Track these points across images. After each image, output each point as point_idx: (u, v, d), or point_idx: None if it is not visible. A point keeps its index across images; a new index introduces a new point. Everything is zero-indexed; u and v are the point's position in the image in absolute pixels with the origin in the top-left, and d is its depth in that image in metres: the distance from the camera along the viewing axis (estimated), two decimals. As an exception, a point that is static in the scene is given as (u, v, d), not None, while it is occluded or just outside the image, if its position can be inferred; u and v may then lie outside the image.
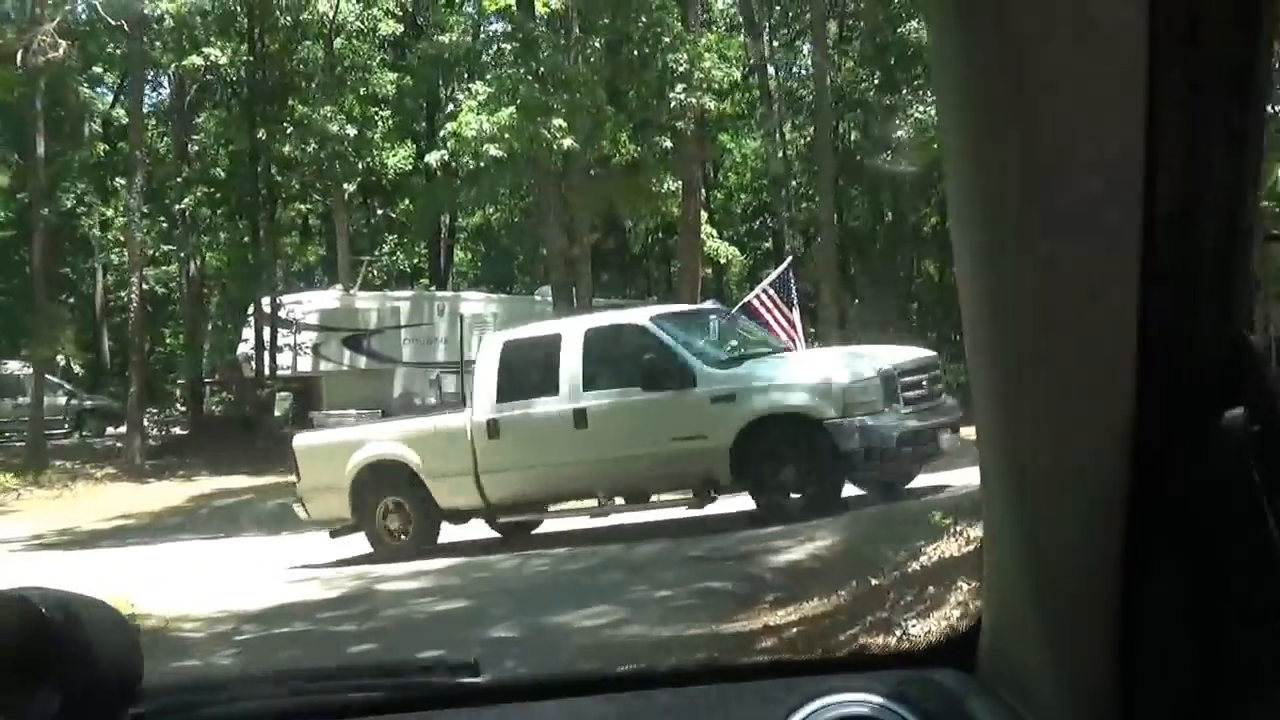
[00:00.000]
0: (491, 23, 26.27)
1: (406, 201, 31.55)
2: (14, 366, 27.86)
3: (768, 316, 14.26)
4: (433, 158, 24.19)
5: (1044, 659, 1.00)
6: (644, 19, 21.00)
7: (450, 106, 26.26)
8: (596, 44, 21.89)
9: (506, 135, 19.57)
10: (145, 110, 28.68)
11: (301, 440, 12.33)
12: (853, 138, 32.05)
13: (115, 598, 8.44)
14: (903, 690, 1.23)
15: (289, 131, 23.62)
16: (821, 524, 8.89)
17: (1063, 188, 0.80)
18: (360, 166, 25.63)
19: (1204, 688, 0.86)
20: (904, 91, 25.37)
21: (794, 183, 32.48)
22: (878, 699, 1.22)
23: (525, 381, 10.83)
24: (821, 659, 2.16)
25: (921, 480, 10.27)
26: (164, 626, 7.97)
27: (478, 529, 11.28)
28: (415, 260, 35.78)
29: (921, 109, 22.06)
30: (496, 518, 11.17)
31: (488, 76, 21.89)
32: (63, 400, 27.59)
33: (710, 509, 10.45)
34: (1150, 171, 0.79)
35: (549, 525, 11.38)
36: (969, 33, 0.81)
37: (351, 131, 23.68)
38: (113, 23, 23.82)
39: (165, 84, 29.25)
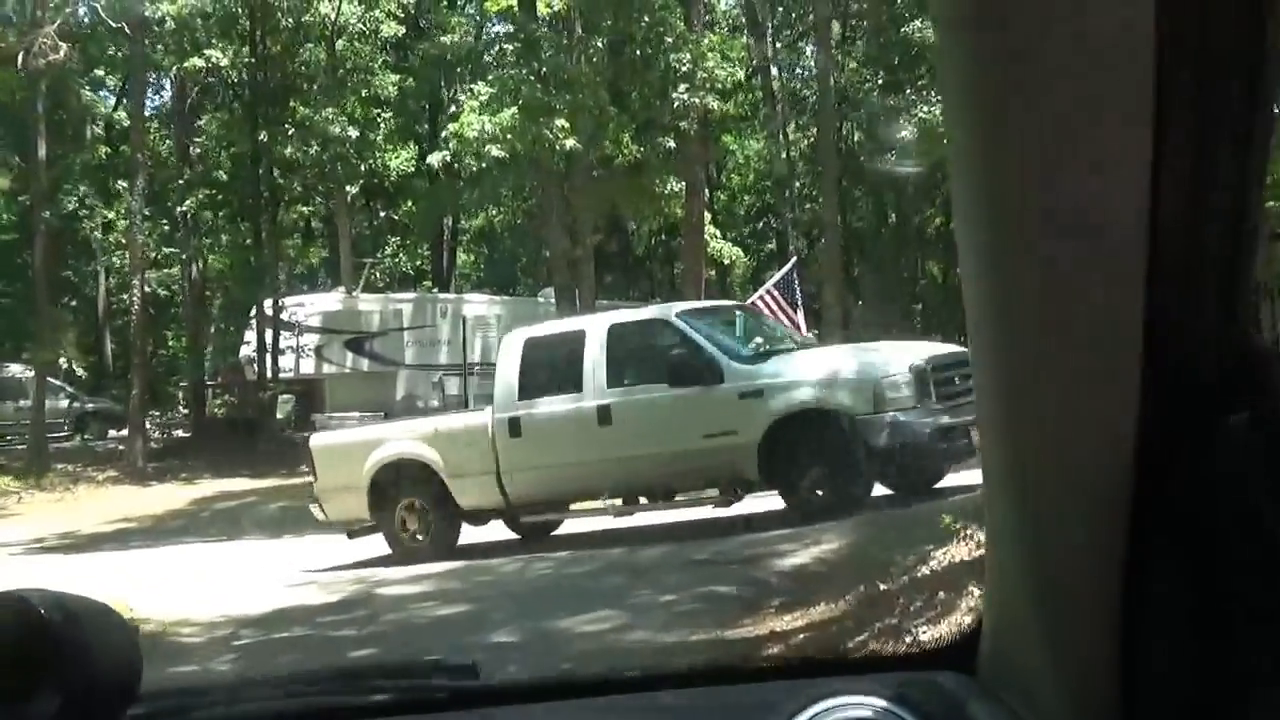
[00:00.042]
0: (493, 24, 26.22)
1: (409, 203, 31.52)
2: (15, 369, 27.84)
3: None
4: (435, 159, 24.13)
5: (1045, 661, 0.99)
6: (646, 19, 20.93)
7: (452, 108, 26.22)
8: (599, 44, 21.83)
9: (509, 136, 19.51)
10: (147, 113, 28.74)
11: (318, 440, 12.17)
12: (856, 138, 32.00)
13: (115, 601, 8.39)
14: (904, 693, 1.23)
15: (291, 133, 23.58)
16: (828, 527, 8.78)
17: (1067, 188, 0.80)
18: (362, 168, 25.59)
19: (1206, 690, 0.86)
20: (908, 92, 25.27)
21: (797, 184, 32.43)
22: (879, 702, 1.22)
23: (548, 379, 10.65)
24: (822, 661, 2.17)
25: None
26: (163, 630, 7.89)
27: (491, 531, 11.14)
28: (418, 262, 35.74)
29: (925, 109, 21.97)
30: (518, 518, 10.97)
31: (490, 77, 21.84)
32: (64, 403, 27.58)
33: (727, 511, 10.28)
34: (1155, 171, 0.78)
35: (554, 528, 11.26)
36: (974, 32, 0.80)
37: (353, 133, 23.64)
38: (114, 25, 23.82)
39: (167, 86, 29.26)
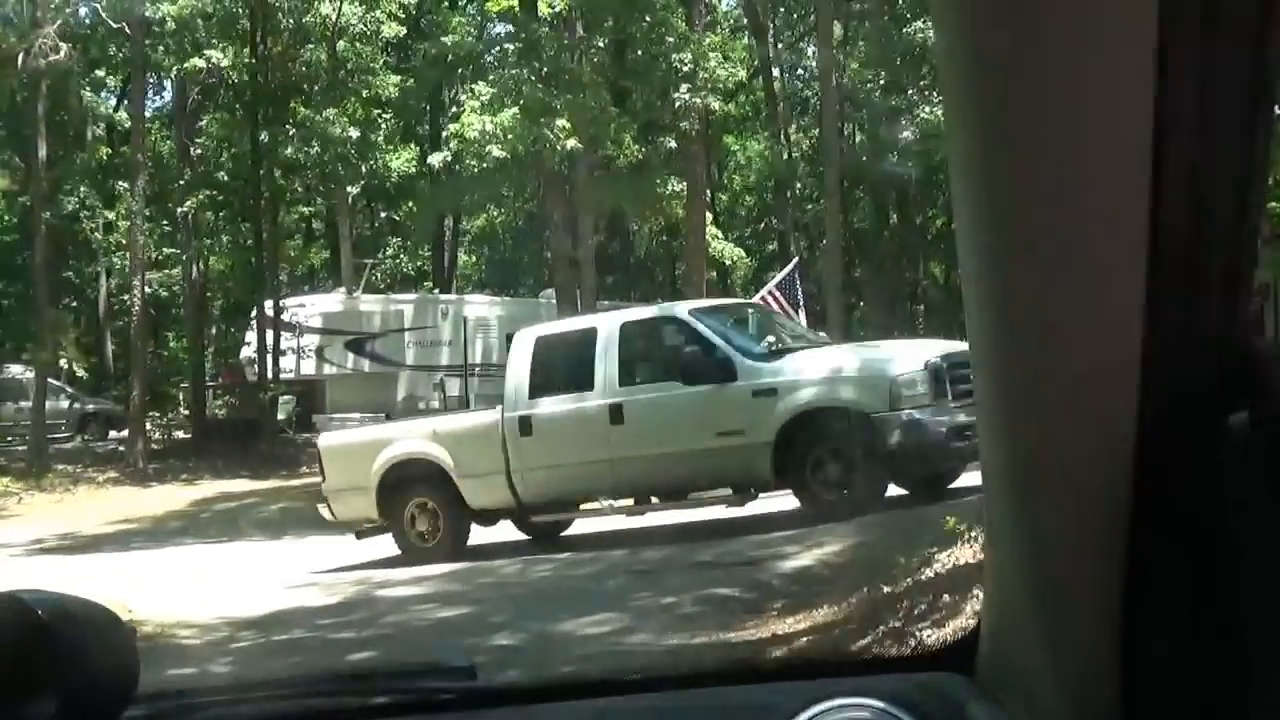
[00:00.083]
0: (494, 24, 26.19)
1: (410, 204, 31.49)
2: (16, 370, 27.82)
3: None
4: (435, 159, 24.12)
5: (1045, 662, 0.99)
6: (648, 19, 20.89)
7: (454, 109, 26.19)
8: (600, 44, 21.80)
9: (510, 136, 19.48)
10: (148, 114, 28.71)
11: (327, 439, 12.12)
12: (858, 139, 31.98)
13: (114, 603, 8.36)
14: (903, 695, 1.24)
15: (292, 134, 23.53)
16: (831, 529, 8.73)
17: (1068, 188, 0.80)
18: (363, 169, 25.54)
19: (1205, 690, 0.86)
20: (909, 93, 25.25)
21: (799, 184, 32.39)
22: (878, 703, 1.22)
23: (559, 377, 10.55)
24: (821, 662, 2.24)
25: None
26: (162, 632, 7.85)
27: (497, 533, 11.07)
28: (419, 263, 35.70)
29: (927, 110, 21.95)
30: (528, 518, 10.88)
31: (490, 77, 21.81)
32: (65, 404, 27.56)
33: (740, 510, 10.18)
34: (1155, 171, 0.78)
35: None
36: (975, 32, 0.80)
37: (354, 134, 23.59)
38: (114, 25, 23.78)
39: (168, 87, 29.22)
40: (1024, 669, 1.05)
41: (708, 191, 27.87)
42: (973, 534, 5.85)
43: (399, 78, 26.43)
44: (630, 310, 12.60)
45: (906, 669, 1.39)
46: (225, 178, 24.98)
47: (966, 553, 5.83)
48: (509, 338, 28.03)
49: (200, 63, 22.68)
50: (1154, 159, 0.78)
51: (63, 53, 21.53)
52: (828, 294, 22.73)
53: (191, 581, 10.58)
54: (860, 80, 30.61)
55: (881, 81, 29.13)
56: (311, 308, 26.49)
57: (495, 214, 29.25)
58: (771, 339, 10.86)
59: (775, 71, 32.56)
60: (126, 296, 27.08)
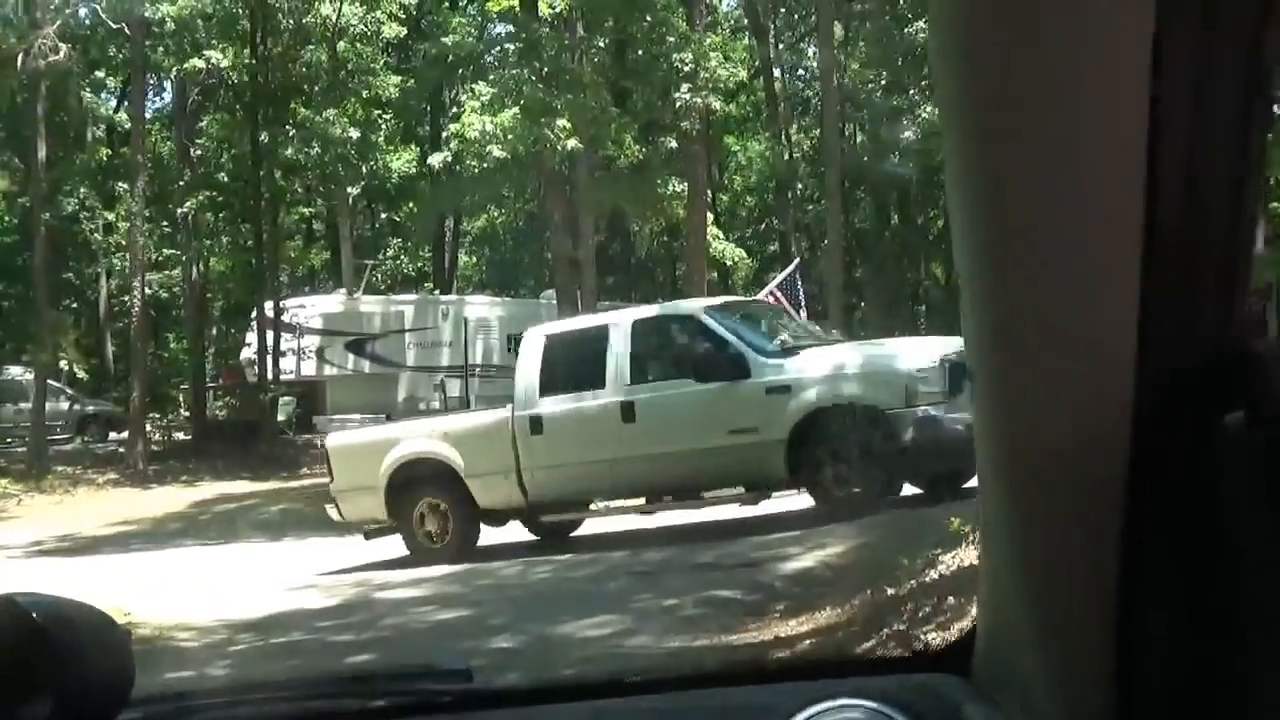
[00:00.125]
0: (494, 24, 26.15)
1: (410, 205, 31.45)
2: (16, 372, 27.78)
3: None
4: (435, 159, 24.07)
5: (1040, 663, 0.99)
6: (648, 19, 20.85)
7: (454, 109, 26.14)
8: (601, 44, 21.75)
9: (510, 136, 19.43)
10: (148, 115, 28.65)
11: (335, 439, 12.00)
12: (859, 140, 31.94)
13: (113, 605, 8.33)
14: (898, 696, 1.24)
15: (292, 135, 23.49)
16: (833, 530, 8.68)
17: (1063, 187, 0.80)
18: (364, 170, 25.51)
19: (1201, 692, 0.86)
20: (911, 93, 25.22)
21: (800, 185, 32.36)
22: (873, 704, 1.22)
23: (569, 375, 10.44)
24: (816, 664, 2.22)
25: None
26: (160, 634, 7.81)
27: (505, 534, 11.00)
28: (419, 264, 35.68)
29: (928, 110, 21.92)
30: (538, 518, 10.78)
31: (491, 77, 21.76)
32: (65, 405, 27.53)
33: (753, 509, 10.09)
34: (1152, 171, 0.78)
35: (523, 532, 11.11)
36: (969, 31, 0.79)
37: (355, 135, 23.55)
38: (114, 26, 23.74)
39: (168, 88, 29.18)
40: (1020, 670, 1.05)
41: (709, 192, 27.84)
42: (977, 535, 5.79)
43: (399, 78, 26.39)
44: (642, 308, 12.50)
45: (903, 670, 1.38)
46: (225, 178, 24.94)
47: (971, 554, 5.78)
48: (510, 338, 28.15)
49: (200, 63, 22.63)
50: (1150, 158, 0.78)
51: (62, 53, 21.48)
52: (829, 294, 22.69)
53: (191, 583, 10.54)
54: (861, 80, 30.58)
55: (883, 82, 29.10)
56: (312, 309, 26.46)
57: (496, 215, 29.22)
58: (784, 337, 10.76)
59: (776, 72, 32.54)
60: (126, 297, 27.05)
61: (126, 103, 30.04)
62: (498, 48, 24.73)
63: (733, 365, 9.80)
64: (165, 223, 27.00)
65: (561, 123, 19.29)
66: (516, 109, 19.56)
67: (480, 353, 26.33)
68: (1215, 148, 0.80)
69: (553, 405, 10.36)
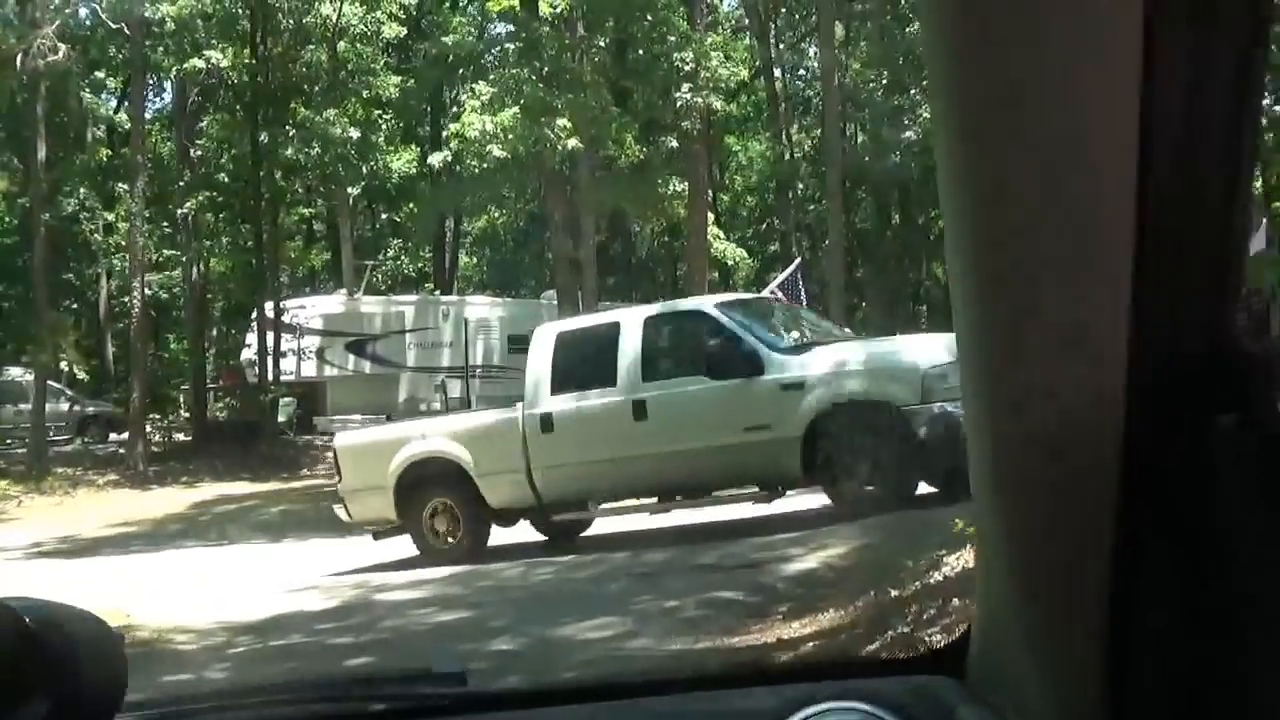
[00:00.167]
0: (495, 24, 26.10)
1: (410, 205, 31.42)
2: (16, 373, 27.73)
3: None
4: (435, 159, 24.04)
5: (1034, 665, 0.99)
6: (649, 18, 20.80)
7: (454, 109, 26.09)
8: (601, 43, 21.70)
9: (510, 136, 19.39)
10: (148, 115, 28.62)
11: (343, 439, 11.91)
12: (860, 140, 31.90)
13: (112, 608, 8.28)
14: (892, 698, 1.24)
15: (292, 135, 23.45)
16: (835, 531, 8.62)
17: (1054, 188, 0.80)
18: (364, 170, 25.48)
19: (1195, 695, 0.86)
20: (912, 93, 25.16)
21: (801, 185, 32.31)
22: (866, 707, 1.23)
23: (581, 373, 10.30)
24: (811, 665, 2.26)
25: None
26: (158, 637, 7.77)
27: (513, 534, 10.94)
28: (420, 265, 35.66)
29: (929, 110, 21.86)
30: (549, 517, 10.67)
31: (491, 77, 21.72)
32: (65, 406, 27.50)
33: (767, 508, 10.00)
34: (1143, 172, 0.78)
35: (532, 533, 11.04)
36: (959, 30, 0.80)
37: (355, 135, 23.51)
38: (113, 26, 23.70)
39: (168, 89, 29.14)
40: (1014, 672, 1.05)
41: (709, 192, 27.80)
42: (981, 537, 5.73)
43: (399, 78, 26.37)
44: (654, 305, 12.40)
45: (898, 672, 1.38)
46: (225, 179, 24.90)
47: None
48: (510, 339, 28.13)
49: (200, 63, 22.60)
50: (1142, 158, 0.77)
51: (61, 53, 21.45)
52: (830, 294, 22.64)
53: (190, 585, 10.50)
54: (862, 80, 30.53)
55: (884, 81, 29.04)
56: (312, 309, 26.44)
57: (496, 215, 29.17)
58: (797, 334, 10.68)
59: (777, 71, 32.50)
60: (127, 298, 27.01)
61: (126, 103, 30.01)
62: (498, 47, 24.67)
63: (746, 362, 9.66)
64: (165, 223, 26.97)
65: (562, 122, 19.25)
66: (517, 108, 19.52)
67: (481, 353, 26.30)
68: (1208, 148, 0.80)
69: (564, 403, 10.25)
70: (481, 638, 6.86)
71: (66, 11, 22.94)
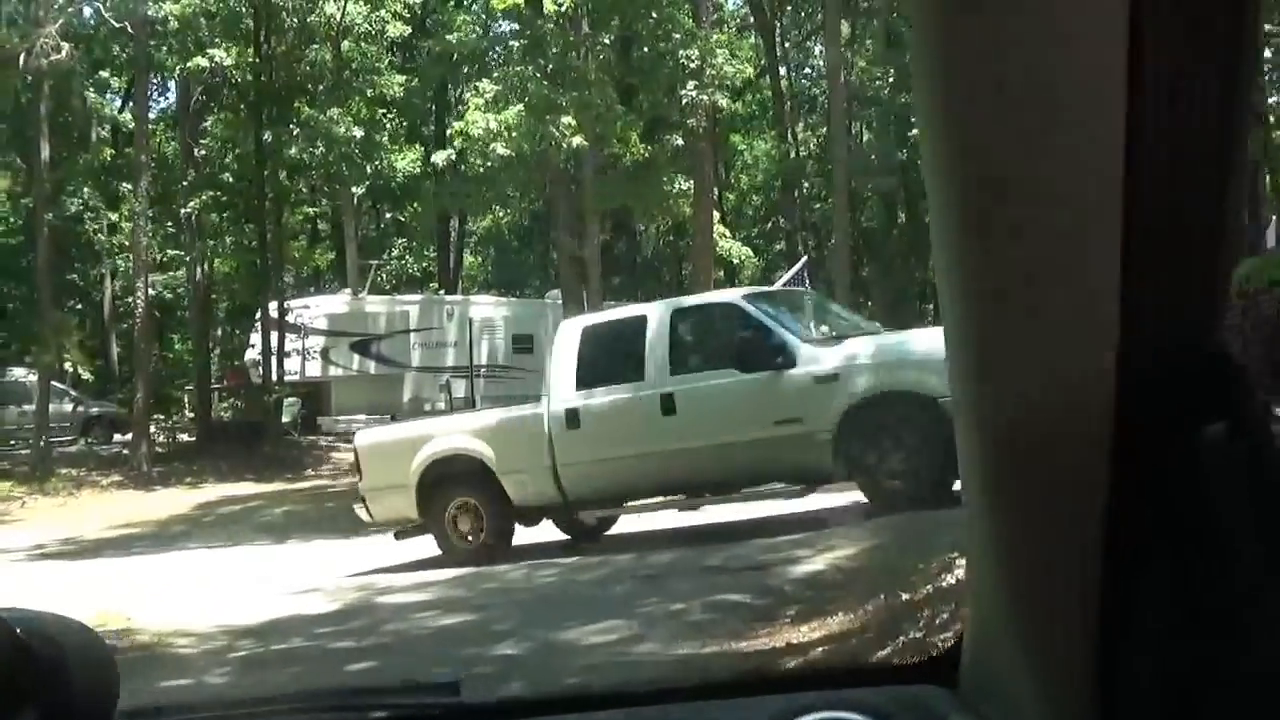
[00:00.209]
0: (499, 23, 26.03)
1: (415, 205, 31.38)
2: (20, 373, 27.70)
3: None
4: (439, 157, 23.96)
5: (1026, 675, 0.99)
6: (654, 15, 20.72)
7: (459, 108, 26.02)
8: (606, 41, 21.62)
9: (514, 134, 19.30)
10: (152, 115, 28.61)
11: (364, 437, 11.71)
12: (866, 138, 31.81)
13: (113, 611, 8.22)
14: (883, 708, 1.24)
15: (296, 134, 23.41)
16: (844, 532, 8.51)
17: (1041, 190, 0.79)
18: (368, 169, 25.44)
19: (1188, 703, 0.86)
20: (918, 90, 25.05)
21: (806, 183, 32.22)
22: (857, 717, 1.22)
23: (607, 368, 10.13)
24: (802, 674, 2.25)
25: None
26: (158, 642, 7.68)
27: (526, 534, 10.84)
28: (424, 264, 35.63)
29: (914, 106, 21.75)
30: (574, 515, 10.51)
31: (495, 74, 21.65)
32: (69, 407, 27.46)
33: (799, 503, 9.86)
34: (1131, 180, 0.77)
35: (546, 533, 10.94)
36: (946, 28, 0.79)
37: (359, 134, 23.46)
38: (117, 25, 23.65)
39: (172, 88, 29.13)
40: (1004, 681, 1.05)
41: (715, 190, 27.69)
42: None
43: (404, 77, 26.33)
44: (682, 298, 12.21)
45: (890, 681, 1.38)
46: (230, 178, 24.86)
47: (987, 558, 5.59)
48: (515, 338, 27.99)
49: (204, 62, 22.57)
50: (1128, 161, 0.77)
51: (65, 52, 21.41)
52: (836, 293, 22.50)
53: (193, 587, 10.42)
54: (868, 78, 30.44)
55: (889, 80, 28.94)
56: (316, 309, 26.41)
57: (501, 214, 29.07)
58: (828, 327, 10.52)
59: (782, 70, 32.40)
60: (131, 298, 26.96)
61: (130, 102, 29.99)
62: (502, 45, 24.62)
63: (777, 354, 9.43)
64: (169, 223, 26.94)
65: (566, 120, 19.16)
66: (521, 106, 19.45)
67: (485, 353, 26.25)
68: (1198, 153, 0.79)
69: (589, 399, 10.06)
70: (484, 642, 6.77)
71: (70, 10, 22.89)
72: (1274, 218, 14.51)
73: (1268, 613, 0.82)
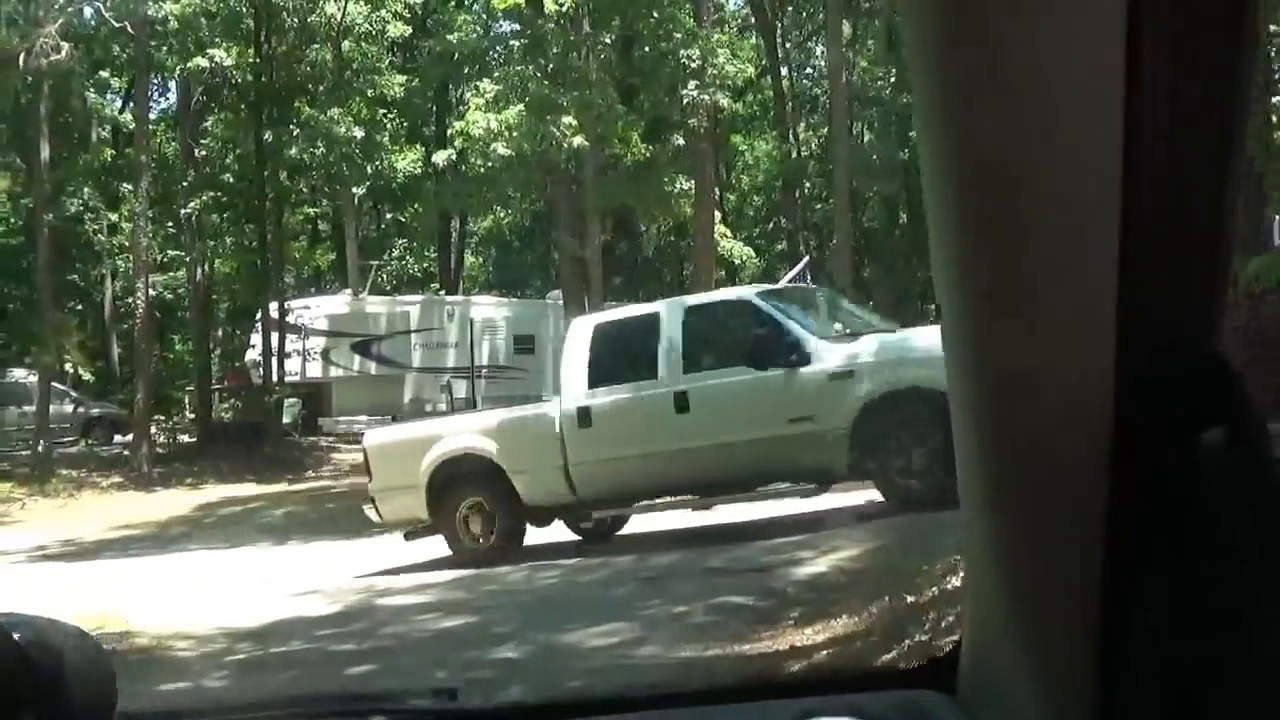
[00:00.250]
0: (500, 23, 26.00)
1: (416, 205, 31.35)
2: (20, 374, 27.66)
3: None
4: (440, 158, 23.93)
5: (1026, 676, 0.99)
6: (655, 15, 20.68)
7: (459, 108, 26.00)
8: (607, 41, 21.58)
9: (515, 134, 19.26)
10: (153, 115, 28.56)
11: (373, 437, 11.63)
12: (867, 139, 31.76)
13: (113, 614, 8.18)
14: (882, 713, 1.24)
15: (297, 135, 23.39)
16: (847, 533, 8.47)
17: (1040, 193, 0.79)
18: (369, 170, 25.41)
19: (1186, 704, 0.86)
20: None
21: (808, 183, 32.17)
22: None
23: (619, 366, 10.10)
24: (799, 680, 2.21)
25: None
26: (157, 645, 7.64)
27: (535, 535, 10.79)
28: (425, 265, 35.60)
29: (912, 103, 21.72)
30: (586, 514, 10.43)
31: (496, 74, 21.61)
32: (69, 408, 27.40)
33: (814, 502, 9.78)
34: (1130, 181, 0.78)
35: (554, 533, 10.89)
36: (943, 30, 0.79)
37: (360, 134, 23.43)
38: (117, 25, 23.62)
39: (173, 88, 29.10)
40: (1004, 686, 1.05)
41: (716, 190, 27.63)
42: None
43: (404, 77, 26.31)
44: (695, 296, 12.12)
45: (889, 686, 1.37)
46: (230, 179, 24.83)
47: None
48: (516, 339, 27.92)
49: (204, 63, 22.54)
50: (1126, 161, 0.77)
51: (64, 52, 21.37)
52: (838, 293, 22.49)
53: (193, 589, 10.38)
54: (869, 78, 30.39)
55: (891, 79, 28.90)
56: (317, 310, 26.38)
57: (501, 214, 29.01)
58: (842, 324, 10.48)
59: (784, 70, 32.36)
60: (131, 299, 26.92)
61: (130, 102, 29.94)
62: (503, 45, 24.58)
63: (791, 351, 9.39)
64: (170, 223, 26.90)
65: (567, 120, 19.12)
66: (522, 106, 19.42)
67: (486, 353, 26.21)
68: (1196, 155, 0.79)
69: (602, 397, 10.00)
70: (485, 644, 6.72)
71: (70, 10, 22.84)
72: (1276, 217, 14.44)
73: (1267, 613, 0.82)
